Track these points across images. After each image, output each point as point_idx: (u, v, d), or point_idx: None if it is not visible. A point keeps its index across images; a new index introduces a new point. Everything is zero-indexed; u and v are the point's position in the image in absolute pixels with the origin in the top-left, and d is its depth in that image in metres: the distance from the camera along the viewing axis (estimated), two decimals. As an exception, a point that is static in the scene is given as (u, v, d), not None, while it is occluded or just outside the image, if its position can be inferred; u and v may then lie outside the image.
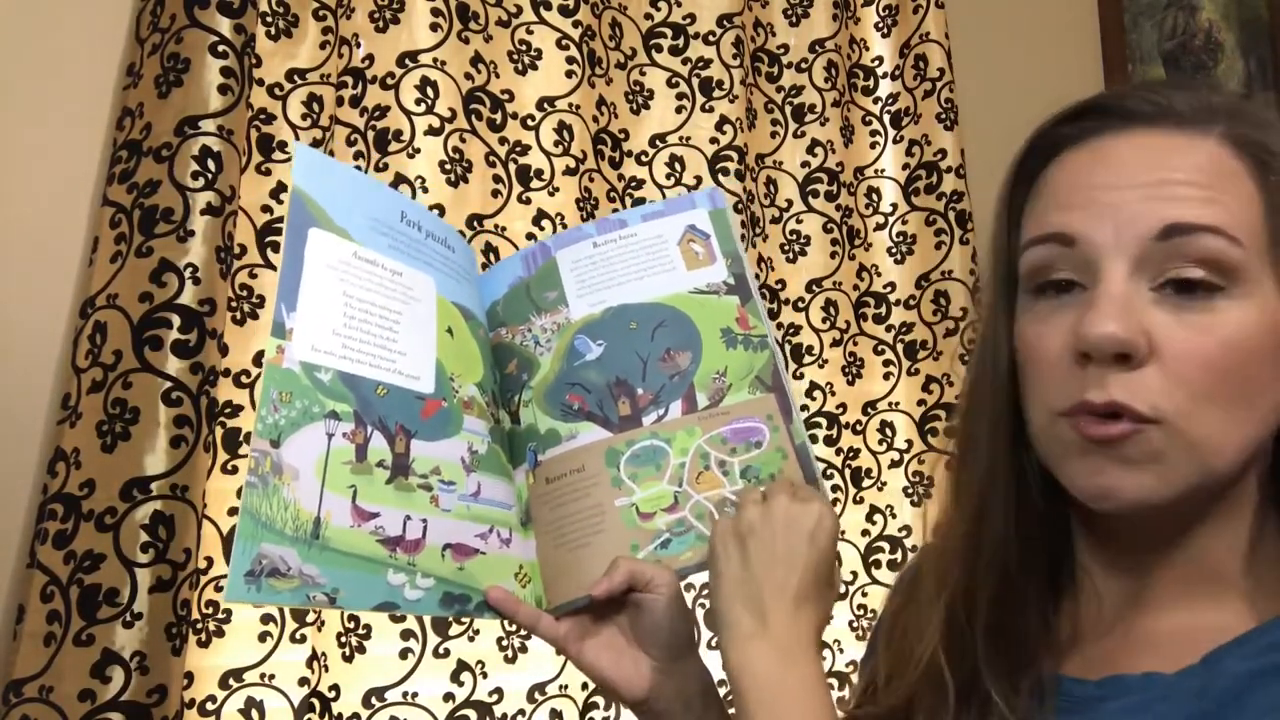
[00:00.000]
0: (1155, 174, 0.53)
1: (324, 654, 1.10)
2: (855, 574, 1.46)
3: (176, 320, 1.02)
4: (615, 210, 1.35)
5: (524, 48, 1.31)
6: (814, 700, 0.60)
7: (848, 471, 1.47)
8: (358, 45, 1.19)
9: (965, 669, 0.60)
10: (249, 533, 0.61)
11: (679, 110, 1.41)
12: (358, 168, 1.17)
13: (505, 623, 1.19)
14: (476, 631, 1.17)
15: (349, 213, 0.73)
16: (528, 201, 1.28)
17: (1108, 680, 0.56)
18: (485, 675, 1.17)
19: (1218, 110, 0.55)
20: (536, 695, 1.20)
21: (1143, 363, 0.52)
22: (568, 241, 0.83)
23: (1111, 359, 0.52)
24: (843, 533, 1.46)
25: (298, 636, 1.12)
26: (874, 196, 1.55)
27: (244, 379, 1.13)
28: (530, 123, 1.30)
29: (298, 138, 1.19)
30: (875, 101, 1.57)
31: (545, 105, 1.30)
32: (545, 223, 1.28)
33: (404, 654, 1.13)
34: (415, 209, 0.81)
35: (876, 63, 1.57)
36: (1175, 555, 0.58)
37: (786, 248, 1.48)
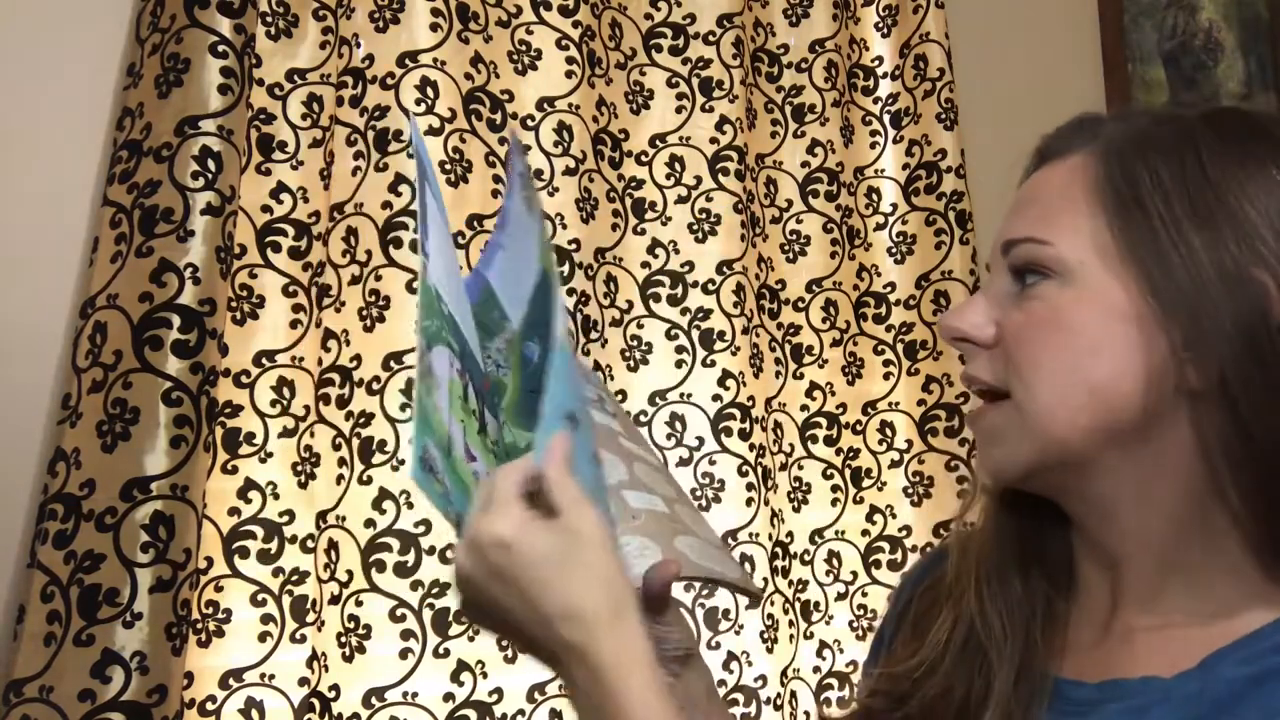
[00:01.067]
0: (1022, 200, 0.64)
1: (324, 654, 1.11)
2: (855, 574, 1.46)
3: (176, 320, 1.02)
4: (614, 211, 1.36)
5: (524, 48, 1.31)
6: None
7: (848, 471, 1.47)
8: (358, 45, 1.19)
9: (975, 654, 0.63)
10: (421, 422, 0.58)
11: (679, 110, 1.41)
12: (358, 168, 1.17)
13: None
14: (476, 631, 1.17)
15: (434, 189, 0.74)
16: (528, 201, 1.28)
17: (1106, 684, 0.58)
18: (485, 675, 1.17)
19: (1099, 131, 0.62)
20: (536, 695, 1.20)
21: (992, 346, 0.61)
22: (490, 260, 0.80)
23: (967, 345, 0.62)
24: (842, 533, 1.46)
25: (298, 636, 1.12)
26: (874, 196, 1.55)
27: (244, 379, 1.13)
28: (530, 123, 1.30)
29: (298, 138, 1.19)
30: (875, 101, 1.57)
31: (545, 105, 1.30)
32: (545, 223, 1.28)
33: (404, 654, 1.13)
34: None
35: (876, 63, 1.57)
36: (1140, 550, 0.59)
37: (786, 248, 1.48)
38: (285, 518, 1.14)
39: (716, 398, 1.35)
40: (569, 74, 1.31)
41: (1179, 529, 0.57)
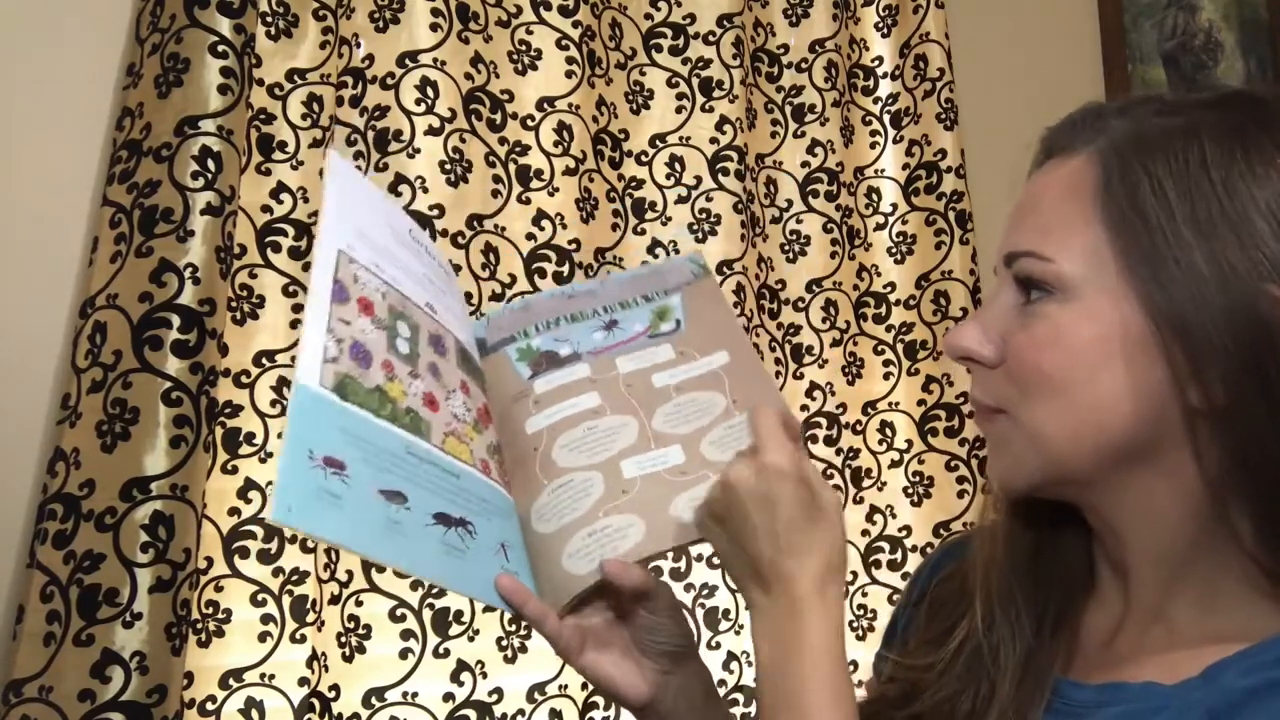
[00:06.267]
0: (1023, 206, 0.61)
1: (324, 654, 1.10)
2: (855, 574, 1.46)
3: (176, 320, 1.02)
4: (615, 210, 1.36)
5: (524, 48, 1.31)
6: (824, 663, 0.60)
7: (848, 471, 1.47)
8: (358, 45, 1.19)
9: (981, 662, 0.62)
10: None
11: (679, 110, 1.41)
12: (358, 167, 1.17)
13: (506, 621, 1.19)
14: (476, 631, 1.17)
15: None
16: (527, 202, 1.28)
17: (1107, 686, 0.57)
18: (485, 675, 1.17)
19: (1103, 127, 0.59)
20: (536, 695, 1.20)
21: (996, 364, 0.60)
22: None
23: (971, 363, 0.61)
24: (843, 533, 1.46)
25: (298, 636, 1.12)
26: (874, 196, 1.55)
27: (244, 379, 1.13)
28: (530, 123, 1.30)
29: (298, 138, 1.19)
30: (875, 101, 1.57)
31: (545, 105, 1.30)
32: (545, 223, 1.28)
33: (404, 654, 1.13)
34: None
35: (876, 63, 1.57)
36: (1147, 563, 0.59)
37: (786, 248, 1.48)
38: (285, 518, 1.14)
39: (716, 398, 1.35)
40: (569, 74, 1.31)
41: (1185, 545, 0.57)
